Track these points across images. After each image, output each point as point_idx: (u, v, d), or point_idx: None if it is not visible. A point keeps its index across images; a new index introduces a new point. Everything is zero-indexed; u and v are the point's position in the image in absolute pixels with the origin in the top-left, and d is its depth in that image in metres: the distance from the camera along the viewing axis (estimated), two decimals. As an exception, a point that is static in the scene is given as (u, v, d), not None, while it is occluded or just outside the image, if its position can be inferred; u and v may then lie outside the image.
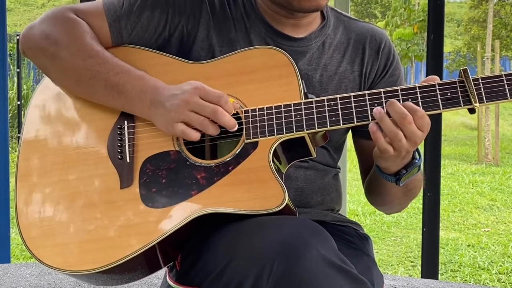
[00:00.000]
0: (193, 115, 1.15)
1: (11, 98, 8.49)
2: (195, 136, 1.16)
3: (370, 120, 1.15)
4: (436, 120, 2.48)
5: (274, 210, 1.09)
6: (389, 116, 1.12)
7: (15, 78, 8.38)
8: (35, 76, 10.24)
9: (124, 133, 1.24)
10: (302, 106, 1.18)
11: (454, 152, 10.31)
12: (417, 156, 1.21)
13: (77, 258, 1.16)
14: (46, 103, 1.32)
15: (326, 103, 1.17)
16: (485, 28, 12.83)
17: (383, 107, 1.14)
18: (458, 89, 1.12)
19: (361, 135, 1.42)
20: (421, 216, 3.03)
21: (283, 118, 1.18)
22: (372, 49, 1.40)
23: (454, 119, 13.89)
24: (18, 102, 7.66)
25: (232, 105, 1.18)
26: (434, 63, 2.61)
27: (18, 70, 7.71)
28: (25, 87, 9.38)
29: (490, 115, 9.74)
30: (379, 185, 1.32)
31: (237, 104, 1.20)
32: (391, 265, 4.45)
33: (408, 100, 1.13)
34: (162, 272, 1.37)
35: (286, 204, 1.10)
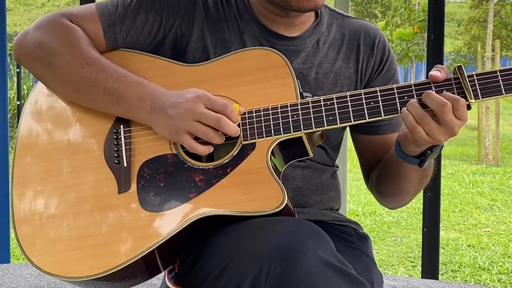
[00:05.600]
0: (197, 125, 1.14)
1: (11, 98, 8.50)
2: (205, 151, 1.16)
3: (367, 119, 1.15)
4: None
5: (273, 211, 1.09)
6: (424, 107, 1.10)
7: (15, 78, 8.38)
8: (35, 76, 10.22)
9: (121, 137, 1.24)
10: (299, 107, 1.17)
11: (454, 152, 10.30)
12: None
13: (76, 265, 1.15)
14: (40, 109, 1.31)
15: (322, 102, 1.17)
16: (486, 28, 12.83)
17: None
18: (454, 85, 1.12)
19: (360, 131, 1.42)
20: (421, 216, 3.03)
21: (280, 119, 1.17)
22: (366, 45, 1.40)
23: (454, 119, 13.83)
24: (18, 102, 7.66)
25: (239, 110, 1.17)
26: (435, 63, 2.58)
27: (18, 70, 7.71)
28: (25, 87, 9.39)
29: (491, 115, 9.72)
30: (396, 171, 1.28)
31: (242, 108, 1.19)
32: (392, 265, 4.44)
33: (404, 98, 1.13)
34: (162, 273, 1.37)
35: (286, 204, 1.09)
